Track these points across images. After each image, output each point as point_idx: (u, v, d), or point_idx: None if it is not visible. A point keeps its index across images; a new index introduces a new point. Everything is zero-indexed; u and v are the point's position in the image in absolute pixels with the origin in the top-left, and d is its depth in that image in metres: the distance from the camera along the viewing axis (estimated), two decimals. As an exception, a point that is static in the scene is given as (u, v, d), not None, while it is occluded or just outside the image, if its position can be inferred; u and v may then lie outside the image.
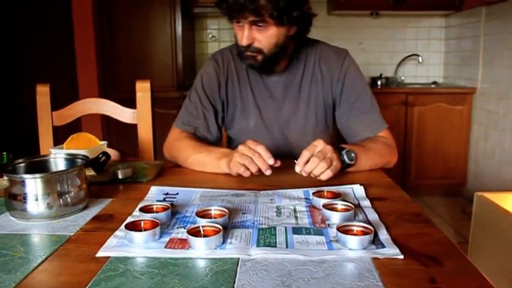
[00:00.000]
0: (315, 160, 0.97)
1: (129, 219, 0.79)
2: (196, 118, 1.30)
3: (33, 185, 0.81)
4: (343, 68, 1.30)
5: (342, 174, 1.10)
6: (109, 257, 0.66)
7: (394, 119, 3.32)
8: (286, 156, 1.07)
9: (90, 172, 1.08)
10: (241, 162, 1.00)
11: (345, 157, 1.08)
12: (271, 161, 0.97)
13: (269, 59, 1.20)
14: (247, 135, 1.32)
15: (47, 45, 3.18)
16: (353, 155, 1.10)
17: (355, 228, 0.71)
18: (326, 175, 0.98)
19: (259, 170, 0.99)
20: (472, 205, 2.08)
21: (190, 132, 1.29)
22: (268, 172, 0.98)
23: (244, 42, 1.15)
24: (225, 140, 1.51)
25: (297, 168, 0.98)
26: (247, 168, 0.99)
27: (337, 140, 1.41)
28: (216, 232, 0.69)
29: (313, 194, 0.89)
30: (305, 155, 0.98)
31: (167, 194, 0.97)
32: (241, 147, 1.01)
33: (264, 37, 1.16)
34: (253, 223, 0.78)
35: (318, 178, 0.99)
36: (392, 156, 1.23)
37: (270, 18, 1.11)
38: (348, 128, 1.30)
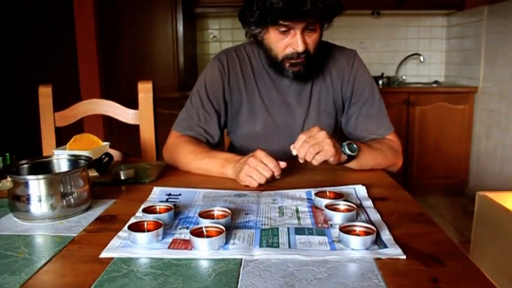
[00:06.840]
0: (304, 146, 0.99)
1: (132, 220, 0.79)
2: (197, 123, 1.25)
3: (37, 186, 0.81)
4: (353, 70, 1.27)
5: (344, 175, 1.10)
6: (112, 258, 0.66)
7: (395, 118, 3.32)
8: (294, 159, 1.06)
9: (93, 173, 1.08)
10: (249, 175, 1.01)
11: (346, 148, 1.08)
12: (283, 164, 1.01)
13: (312, 63, 1.15)
14: (254, 140, 1.30)
15: (49, 47, 3.18)
16: (355, 146, 1.09)
17: (357, 229, 0.71)
18: (315, 161, 1.00)
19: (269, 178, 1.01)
20: (474, 204, 2.08)
21: (190, 136, 1.24)
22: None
23: (301, 48, 1.09)
24: (226, 143, 1.50)
25: (294, 152, 1.02)
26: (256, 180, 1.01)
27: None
28: (219, 233, 0.69)
29: (316, 194, 0.89)
30: (300, 138, 1.01)
31: (170, 194, 0.97)
32: (251, 160, 1.01)
33: (313, 40, 1.11)
34: (256, 224, 0.78)
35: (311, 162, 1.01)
36: (397, 159, 1.22)
37: (321, 20, 1.07)
38: (354, 130, 1.28)
